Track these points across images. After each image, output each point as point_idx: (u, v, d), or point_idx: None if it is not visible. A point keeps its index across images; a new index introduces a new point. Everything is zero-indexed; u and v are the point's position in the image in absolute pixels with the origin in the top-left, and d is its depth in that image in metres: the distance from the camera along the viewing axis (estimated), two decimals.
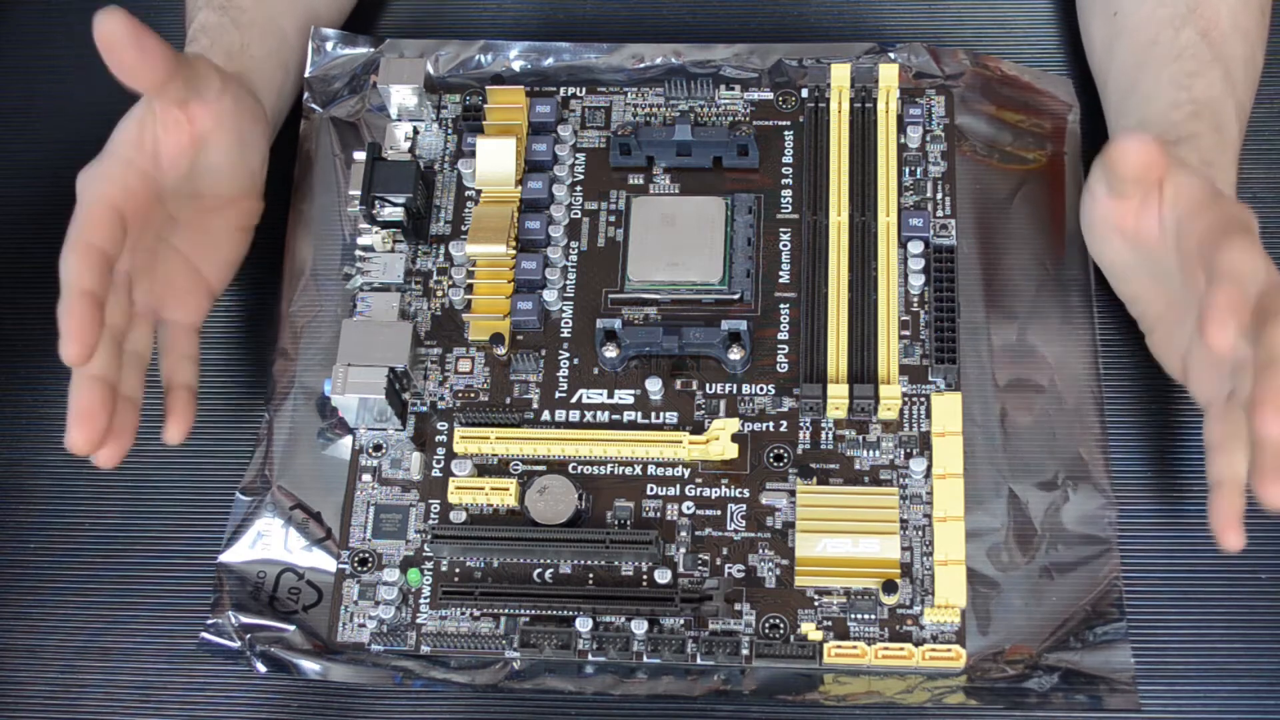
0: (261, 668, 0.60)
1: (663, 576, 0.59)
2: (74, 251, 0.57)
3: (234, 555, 0.62)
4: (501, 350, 0.64)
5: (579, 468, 0.62)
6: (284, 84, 0.70)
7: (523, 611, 0.59)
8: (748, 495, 0.61)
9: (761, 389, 0.62)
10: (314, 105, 0.71)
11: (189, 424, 0.62)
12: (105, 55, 0.57)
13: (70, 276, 0.56)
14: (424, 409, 0.63)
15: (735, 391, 0.62)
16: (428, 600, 0.60)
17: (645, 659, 0.58)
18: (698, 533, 0.60)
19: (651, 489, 0.61)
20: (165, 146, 0.60)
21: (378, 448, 0.63)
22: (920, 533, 0.59)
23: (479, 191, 0.67)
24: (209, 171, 0.62)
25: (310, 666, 0.59)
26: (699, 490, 0.61)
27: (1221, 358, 0.53)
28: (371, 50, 0.72)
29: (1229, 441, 0.57)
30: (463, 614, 0.60)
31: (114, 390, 0.58)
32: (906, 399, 0.61)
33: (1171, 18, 0.64)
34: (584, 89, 0.70)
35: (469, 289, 0.65)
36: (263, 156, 0.66)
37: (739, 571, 0.59)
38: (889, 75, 0.67)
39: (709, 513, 0.60)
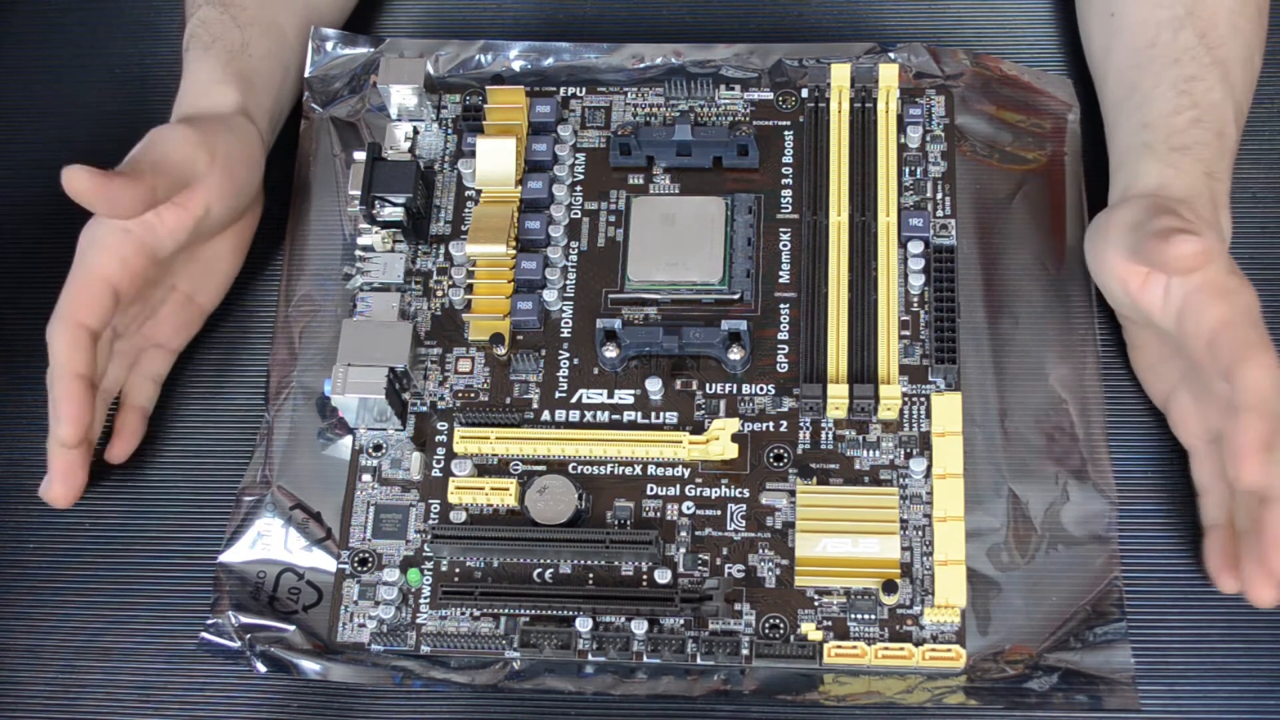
0: (261, 668, 0.60)
1: (663, 576, 0.59)
2: (64, 329, 0.59)
3: (234, 555, 0.62)
4: (501, 350, 0.64)
5: (579, 468, 0.62)
6: (283, 83, 0.70)
7: (523, 611, 0.59)
8: (748, 495, 0.60)
9: (761, 389, 0.62)
10: (314, 105, 0.71)
11: (134, 445, 0.64)
12: (84, 206, 0.58)
13: (61, 359, 0.59)
14: (424, 409, 0.63)
15: (735, 391, 0.62)
16: (428, 600, 0.60)
17: (645, 659, 0.58)
18: (698, 533, 0.60)
19: (651, 489, 0.61)
20: (166, 222, 0.61)
21: (378, 448, 0.63)
22: (920, 533, 0.59)
23: (479, 191, 0.67)
24: (208, 226, 0.63)
25: (310, 666, 0.59)
26: (699, 490, 0.61)
27: (1249, 488, 0.53)
28: (371, 50, 0.72)
29: (1218, 483, 0.58)
30: (463, 614, 0.60)
31: (90, 448, 0.61)
32: (906, 399, 0.61)
33: (1170, 19, 0.64)
34: (584, 89, 0.70)
35: (469, 289, 0.65)
36: (259, 183, 0.67)
37: (739, 571, 0.59)
38: (889, 75, 0.67)
39: (709, 513, 0.60)
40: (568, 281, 0.65)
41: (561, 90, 0.70)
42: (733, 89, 0.69)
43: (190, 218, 0.62)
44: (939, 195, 0.65)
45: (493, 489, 0.60)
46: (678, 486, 0.61)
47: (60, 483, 0.60)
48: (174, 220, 0.61)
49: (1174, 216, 0.57)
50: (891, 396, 0.60)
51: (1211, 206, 0.60)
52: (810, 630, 0.58)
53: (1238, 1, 0.64)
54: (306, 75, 0.72)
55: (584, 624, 0.58)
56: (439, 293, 0.66)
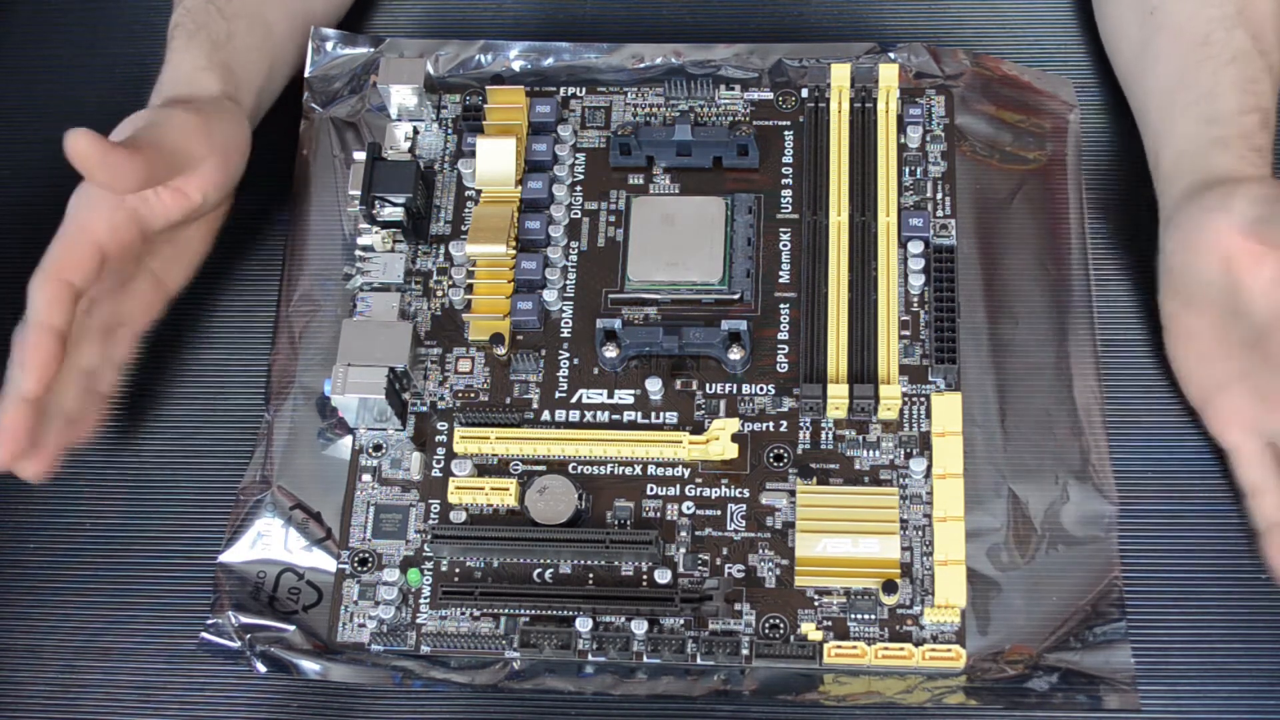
0: (261, 668, 0.60)
1: (663, 576, 0.59)
2: (47, 283, 0.58)
3: (234, 555, 0.62)
4: (501, 350, 0.64)
5: (579, 468, 0.62)
6: (268, 78, 0.70)
7: (523, 611, 0.59)
8: (748, 495, 0.60)
9: (761, 389, 0.62)
10: (314, 105, 0.71)
11: (90, 428, 0.62)
12: (79, 170, 0.58)
13: (39, 309, 0.58)
14: (424, 409, 0.63)
15: (735, 391, 0.62)
16: (428, 600, 0.60)
17: (645, 659, 0.58)
18: (698, 533, 0.60)
19: (651, 489, 0.61)
20: (162, 201, 0.61)
21: (378, 448, 0.63)
22: (920, 533, 0.59)
23: (479, 191, 0.67)
24: (197, 213, 0.63)
25: (310, 666, 0.59)
26: (699, 490, 0.61)
27: None
28: (371, 50, 0.72)
29: (1269, 482, 0.58)
30: (463, 614, 0.60)
31: (42, 410, 0.59)
32: (906, 399, 0.61)
33: (1221, 18, 0.64)
34: (584, 89, 0.70)
35: (469, 289, 0.65)
36: (243, 167, 0.66)
37: (739, 571, 0.59)
38: (889, 75, 0.67)
39: (709, 513, 0.60)
40: (568, 281, 0.65)
41: (561, 90, 0.70)
42: (733, 89, 0.69)
43: (183, 199, 0.62)
44: (939, 195, 0.65)
45: (493, 489, 0.60)
46: (678, 486, 0.61)
47: (5, 439, 0.57)
48: (170, 202, 0.61)
49: None
50: (891, 396, 0.60)
51: None
52: (810, 630, 0.58)
53: (1276, 5, 0.64)
54: (306, 75, 0.72)
55: (584, 624, 0.58)
56: (439, 293, 0.66)
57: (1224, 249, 0.58)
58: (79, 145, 0.57)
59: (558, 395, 0.63)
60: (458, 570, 0.60)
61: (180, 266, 0.66)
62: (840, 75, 0.67)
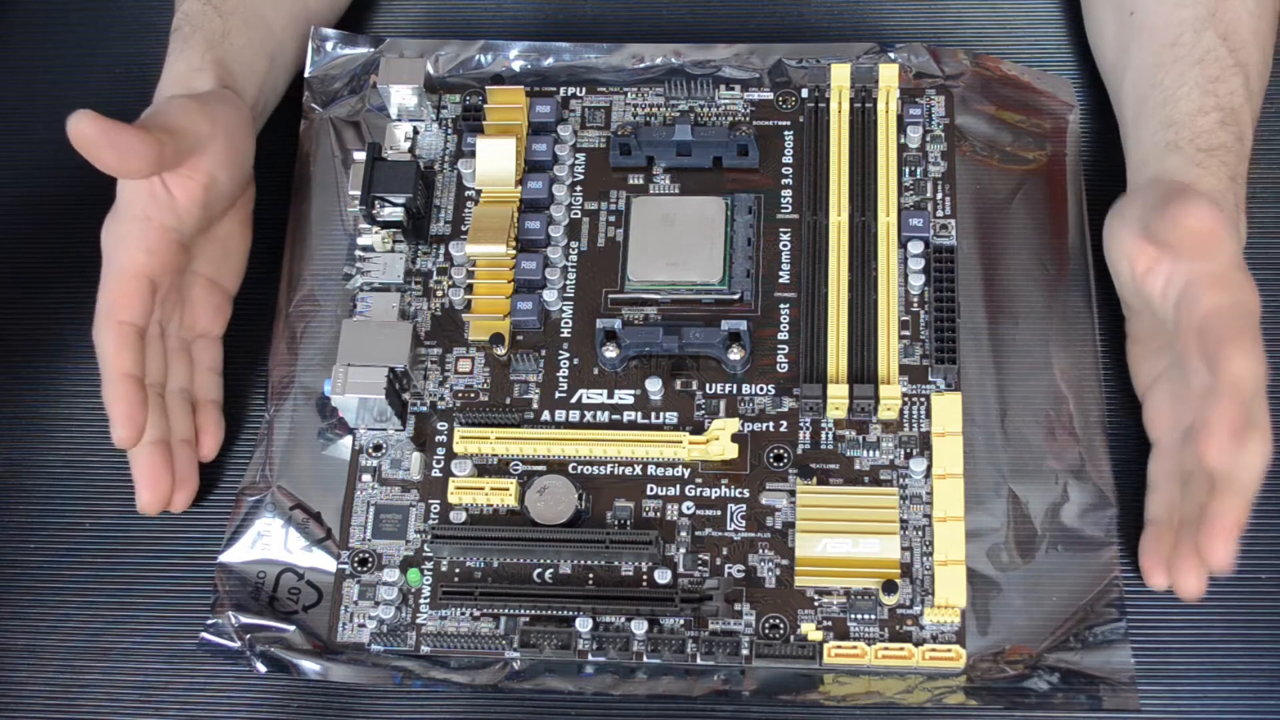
0: (261, 668, 0.60)
1: (663, 576, 0.59)
2: (109, 332, 0.59)
3: (234, 555, 0.62)
4: (501, 350, 0.64)
5: (579, 468, 0.62)
6: (268, 75, 0.69)
7: (523, 611, 0.59)
8: (748, 495, 0.60)
9: (761, 389, 0.62)
10: (314, 105, 0.71)
11: (220, 439, 0.64)
12: (85, 155, 0.58)
13: (109, 360, 0.59)
14: (424, 409, 0.63)
15: (735, 391, 0.62)
16: (428, 600, 0.60)
17: (645, 659, 0.58)
18: (698, 533, 0.60)
19: (651, 489, 0.61)
20: (179, 198, 0.61)
21: (378, 448, 0.63)
22: (920, 533, 0.59)
23: (479, 191, 0.67)
24: (217, 199, 0.64)
25: (310, 666, 0.59)
26: (699, 490, 0.61)
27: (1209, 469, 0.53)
28: (371, 50, 0.72)
29: (1170, 482, 0.58)
30: (463, 614, 0.60)
31: (169, 447, 0.62)
32: (906, 399, 0.61)
33: (1193, 20, 0.64)
34: (584, 89, 0.70)
35: (469, 289, 0.65)
36: (253, 155, 0.67)
37: (739, 571, 0.59)
38: (889, 75, 0.67)
39: (709, 513, 0.60)
40: (568, 281, 0.65)
41: (561, 90, 0.70)
42: (733, 89, 0.69)
43: (200, 188, 0.62)
44: (939, 195, 0.65)
45: (493, 489, 0.60)
46: (678, 486, 0.61)
47: (148, 492, 0.61)
48: (186, 195, 0.61)
49: (1194, 193, 0.57)
50: (891, 396, 0.60)
51: (1234, 209, 0.60)
52: (810, 630, 0.58)
53: (1257, 5, 0.64)
54: (306, 75, 0.72)
55: (584, 624, 0.58)
56: (439, 293, 0.66)
57: (1127, 255, 0.59)
58: (83, 127, 0.57)
59: (558, 395, 0.63)
60: (458, 570, 0.60)
61: (231, 264, 0.66)
62: (840, 75, 0.67)
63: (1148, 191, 0.60)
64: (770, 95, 0.69)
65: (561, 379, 0.63)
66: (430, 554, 0.61)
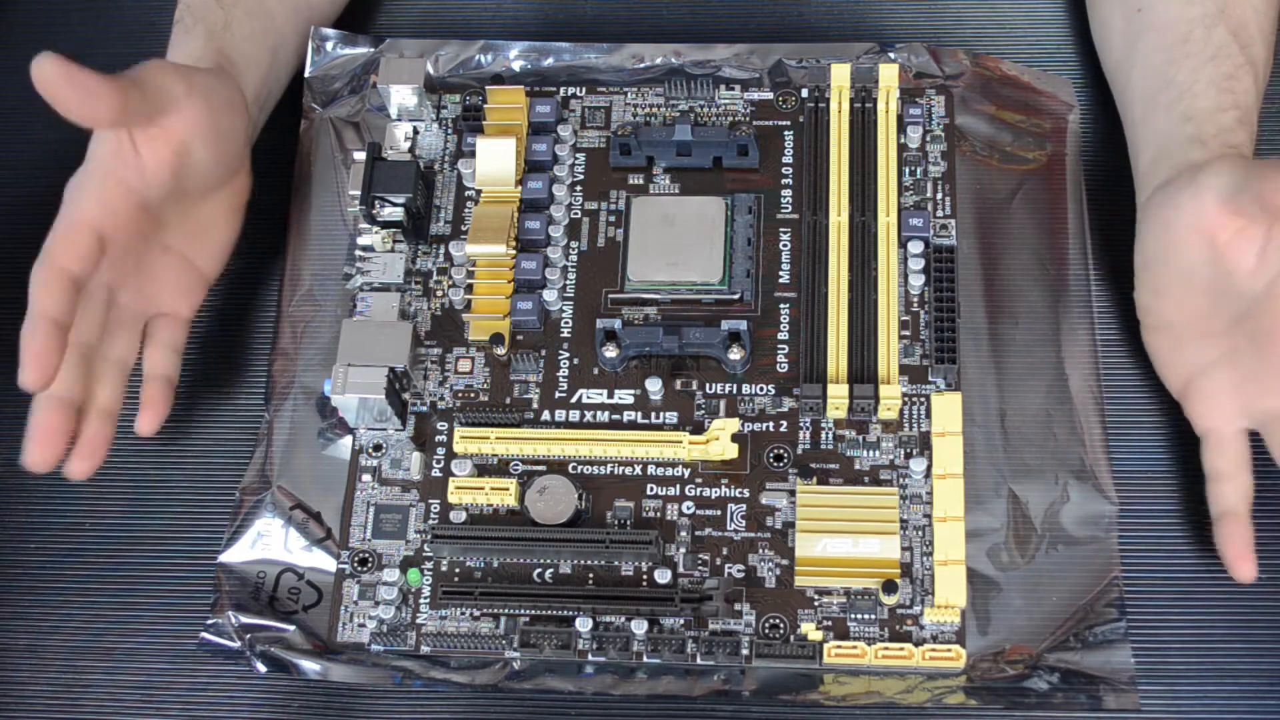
0: (261, 668, 0.60)
1: (663, 576, 0.59)
2: (43, 274, 0.57)
3: (234, 555, 0.62)
4: (501, 350, 0.64)
5: (579, 468, 0.62)
6: (271, 66, 0.69)
7: (523, 611, 0.59)
8: (748, 495, 0.60)
9: (761, 389, 0.62)
10: (314, 105, 0.71)
11: (163, 416, 0.62)
12: (49, 100, 0.57)
13: (36, 300, 0.57)
14: (424, 409, 0.63)
15: (735, 391, 0.62)
16: (428, 600, 0.60)
17: (645, 659, 0.58)
18: (698, 533, 0.60)
19: (651, 489, 0.61)
20: (146, 159, 0.60)
21: (378, 448, 0.63)
22: (920, 533, 0.59)
23: (479, 191, 0.67)
24: (192, 171, 0.62)
25: (310, 666, 0.59)
26: (699, 490, 0.61)
27: None
28: (371, 50, 0.72)
29: (1235, 470, 0.58)
30: (463, 614, 0.60)
31: (74, 408, 0.59)
32: (906, 399, 0.61)
33: (1203, 16, 0.64)
34: (584, 89, 0.70)
35: (469, 289, 0.65)
36: (245, 139, 0.66)
37: (739, 571, 0.59)
38: (889, 75, 0.67)
39: (709, 513, 0.60)
40: (568, 281, 0.65)
41: (561, 90, 0.70)
42: (733, 89, 0.69)
43: (169, 151, 0.60)
44: (939, 195, 0.65)
45: (493, 489, 0.60)
46: (678, 486, 0.61)
47: (36, 446, 0.57)
48: (153, 156, 0.60)
49: None
50: (891, 396, 0.60)
51: None
52: (810, 630, 0.58)
53: (1262, 2, 0.64)
54: (306, 75, 0.72)
55: (584, 624, 0.58)
56: (439, 293, 0.66)
57: (1203, 228, 0.57)
58: (46, 68, 0.56)
59: (558, 395, 0.63)
60: (458, 570, 0.60)
61: (208, 247, 0.65)
62: (840, 75, 0.67)
63: (1226, 164, 0.58)
64: (770, 95, 0.69)
65: (561, 379, 0.63)
66: (430, 554, 0.61)
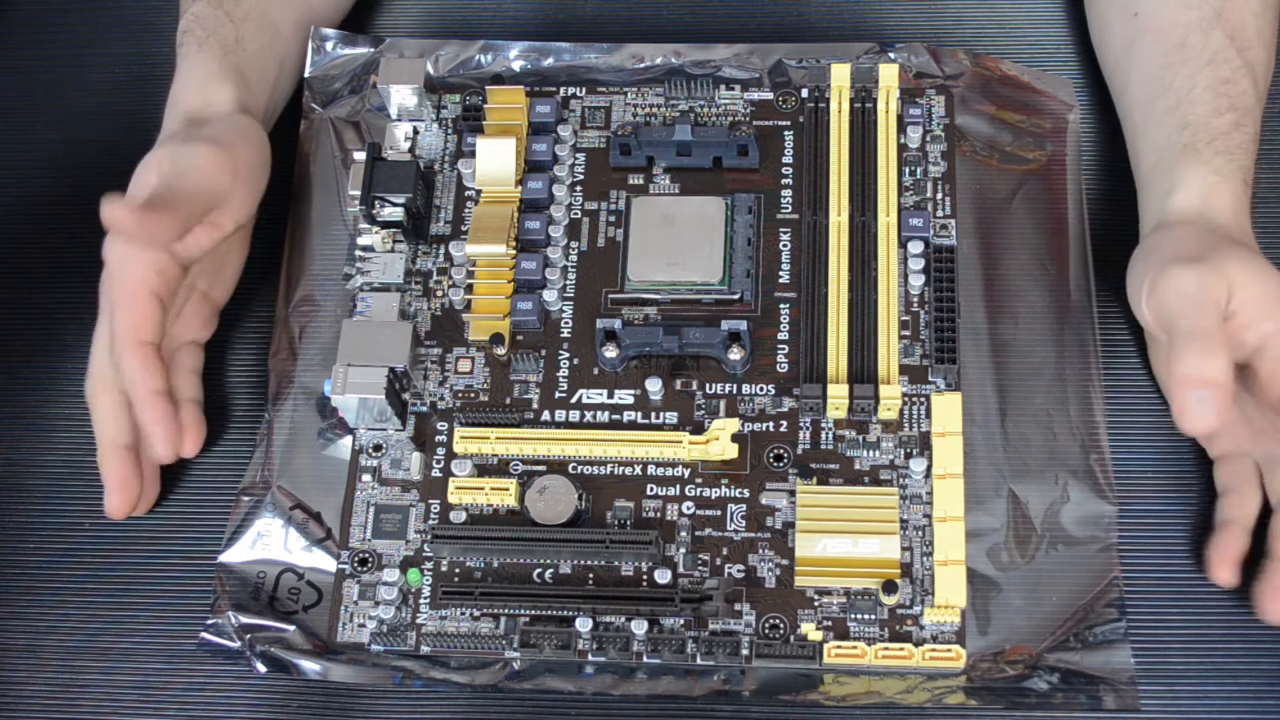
0: (261, 668, 0.60)
1: (663, 576, 0.59)
2: (134, 352, 0.60)
3: (234, 555, 0.62)
4: (501, 350, 0.64)
5: (579, 468, 0.61)
6: (278, 79, 0.70)
7: (523, 611, 0.59)
8: (748, 495, 0.60)
9: (761, 389, 0.62)
10: (314, 105, 0.71)
11: (203, 436, 0.64)
12: (118, 236, 0.60)
13: (139, 380, 0.60)
14: (424, 409, 0.63)
15: (735, 391, 0.62)
16: (428, 600, 0.60)
17: (645, 659, 0.58)
18: (698, 533, 0.60)
19: (651, 489, 0.61)
20: (196, 238, 0.62)
21: (378, 448, 0.63)
22: (920, 533, 0.59)
23: (479, 191, 0.67)
24: (229, 235, 0.64)
25: (310, 666, 0.59)
26: (699, 490, 0.61)
27: None
28: (371, 50, 0.72)
29: (1244, 486, 0.58)
30: (463, 614, 0.60)
31: (138, 452, 0.62)
32: (906, 399, 0.61)
33: (1199, 20, 0.64)
34: (584, 89, 0.70)
35: (469, 289, 0.65)
36: (267, 175, 0.67)
37: (739, 571, 0.59)
38: (889, 75, 0.67)
39: (709, 513, 0.60)
40: (568, 281, 0.65)
41: (561, 90, 0.70)
42: (733, 89, 0.69)
43: (220, 234, 0.63)
44: (939, 195, 0.65)
45: (493, 489, 0.60)
46: (678, 486, 0.61)
47: (118, 496, 0.62)
48: (205, 236, 0.62)
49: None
50: (891, 396, 0.60)
51: (1247, 218, 0.61)
52: (810, 630, 0.58)
53: (1260, 4, 0.64)
54: (306, 75, 0.72)
55: (584, 624, 0.58)
56: (439, 293, 0.66)
57: (1214, 299, 0.57)
58: (115, 214, 0.59)
59: (558, 395, 0.63)
60: (458, 570, 0.60)
61: (224, 278, 0.67)
62: (840, 75, 0.67)
63: (1161, 263, 0.58)
64: (770, 95, 0.69)
65: (561, 379, 0.63)
66: (430, 554, 0.61)
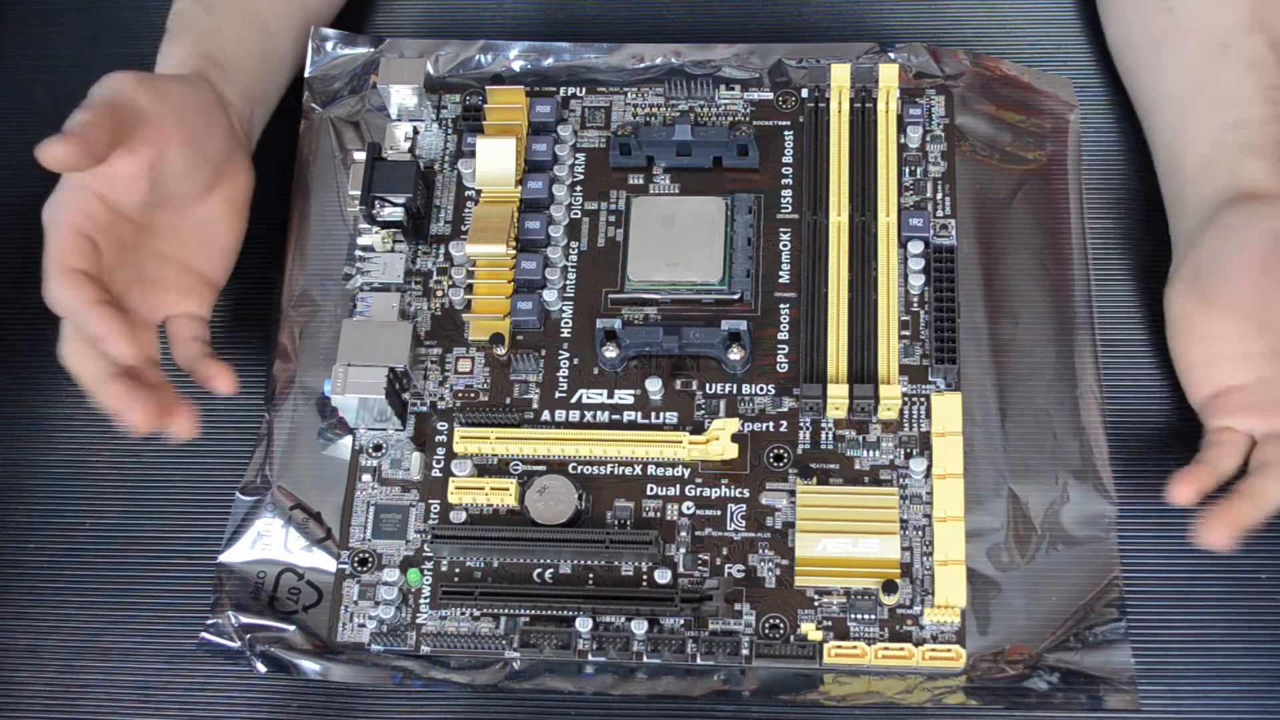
0: (261, 668, 0.60)
1: (663, 576, 0.59)
2: (59, 278, 0.58)
3: (234, 555, 0.62)
4: (501, 350, 0.64)
5: (579, 468, 0.62)
6: (265, 69, 0.69)
7: (523, 611, 0.59)
8: (748, 495, 0.60)
9: (761, 389, 0.62)
10: (314, 105, 0.71)
11: (231, 375, 0.61)
12: (62, 170, 0.59)
13: (72, 297, 0.58)
14: (424, 409, 0.63)
15: (735, 391, 0.62)
16: (428, 600, 0.60)
17: (645, 659, 0.58)
18: (698, 533, 0.60)
19: (651, 489, 0.61)
20: (118, 172, 0.60)
21: (378, 448, 0.63)
22: (920, 533, 0.59)
23: (479, 191, 0.67)
24: (170, 178, 0.62)
25: (310, 666, 0.59)
26: (699, 490, 0.61)
27: None
28: (371, 50, 0.72)
29: (1230, 446, 0.58)
30: (463, 614, 0.60)
31: (138, 378, 0.59)
32: (906, 399, 0.61)
33: (1239, 22, 0.63)
34: (584, 89, 0.70)
35: (469, 289, 0.65)
36: (227, 140, 0.65)
37: (739, 571, 0.59)
38: (889, 75, 0.67)
39: (709, 513, 0.60)
40: (568, 281, 0.65)
41: (561, 90, 0.70)
42: (733, 89, 0.69)
43: (142, 161, 0.60)
44: (939, 195, 0.65)
45: (493, 489, 0.60)
46: (678, 486, 0.61)
47: (131, 414, 0.57)
48: (128, 166, 0.60)
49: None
50: (891, 396, 0.60)
51: None
52: (810, 630, 0.58)
53: None
54: (306, 75, 0.72)
55: (584, 624, 0.58)
56: (439, 293, 0.66)
57: (1256, 261, 0.57)
58: (54, 153, 0.58)
59: (558, 395, 0.63)
60: (458, 570, 0.60)
61: (209, 249, 0.65)
62: (840, 75, 0.67)
63: (1276, 206, 0.59)
64: (770, 95, 0.69)
65: (561, 379, 0.63)
66: (430, 554, 0.61)
